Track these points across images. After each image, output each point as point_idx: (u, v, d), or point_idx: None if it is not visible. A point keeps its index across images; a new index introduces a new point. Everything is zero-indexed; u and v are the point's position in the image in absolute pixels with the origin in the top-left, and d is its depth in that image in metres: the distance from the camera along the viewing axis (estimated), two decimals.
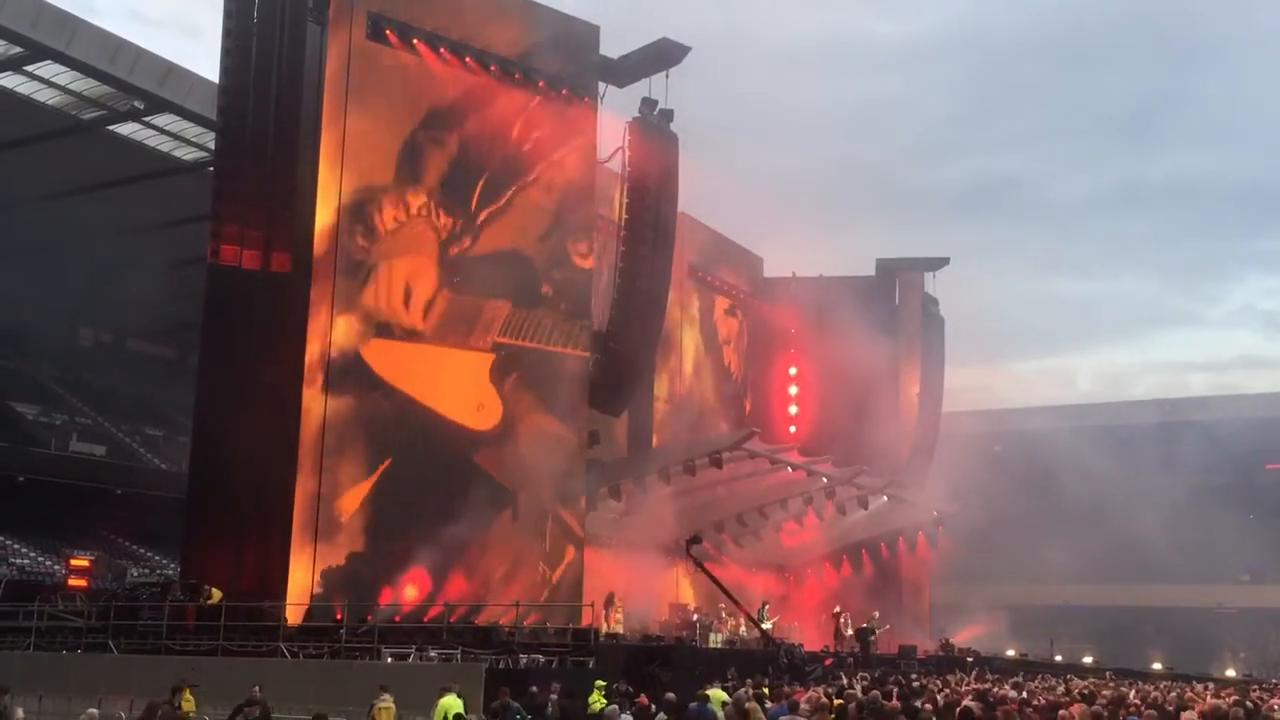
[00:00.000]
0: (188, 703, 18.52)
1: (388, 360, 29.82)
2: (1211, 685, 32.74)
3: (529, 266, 32.88)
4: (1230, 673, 50.04)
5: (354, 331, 29.46)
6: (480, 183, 32.02)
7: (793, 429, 49.13)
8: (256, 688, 19.13)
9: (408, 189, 30.68)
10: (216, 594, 27.19)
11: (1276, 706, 17.28)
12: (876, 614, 41.57)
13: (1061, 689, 25.21)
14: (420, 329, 30.71)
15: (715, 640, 34.16)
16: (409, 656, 24.14)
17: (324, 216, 29.12)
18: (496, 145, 32.40)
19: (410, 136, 30.83)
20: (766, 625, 35.97)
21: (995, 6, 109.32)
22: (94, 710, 15.51)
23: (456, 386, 31.26)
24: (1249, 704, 16.80)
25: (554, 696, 19.76)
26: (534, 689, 20.03)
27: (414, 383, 30.24)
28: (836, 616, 39.87)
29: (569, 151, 33.77)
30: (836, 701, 14.90)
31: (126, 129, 40.63)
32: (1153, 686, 28.44)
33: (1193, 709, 17.10)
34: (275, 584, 27.39)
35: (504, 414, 31.82)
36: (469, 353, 31.50)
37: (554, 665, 24.21)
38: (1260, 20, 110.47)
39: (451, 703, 18.27)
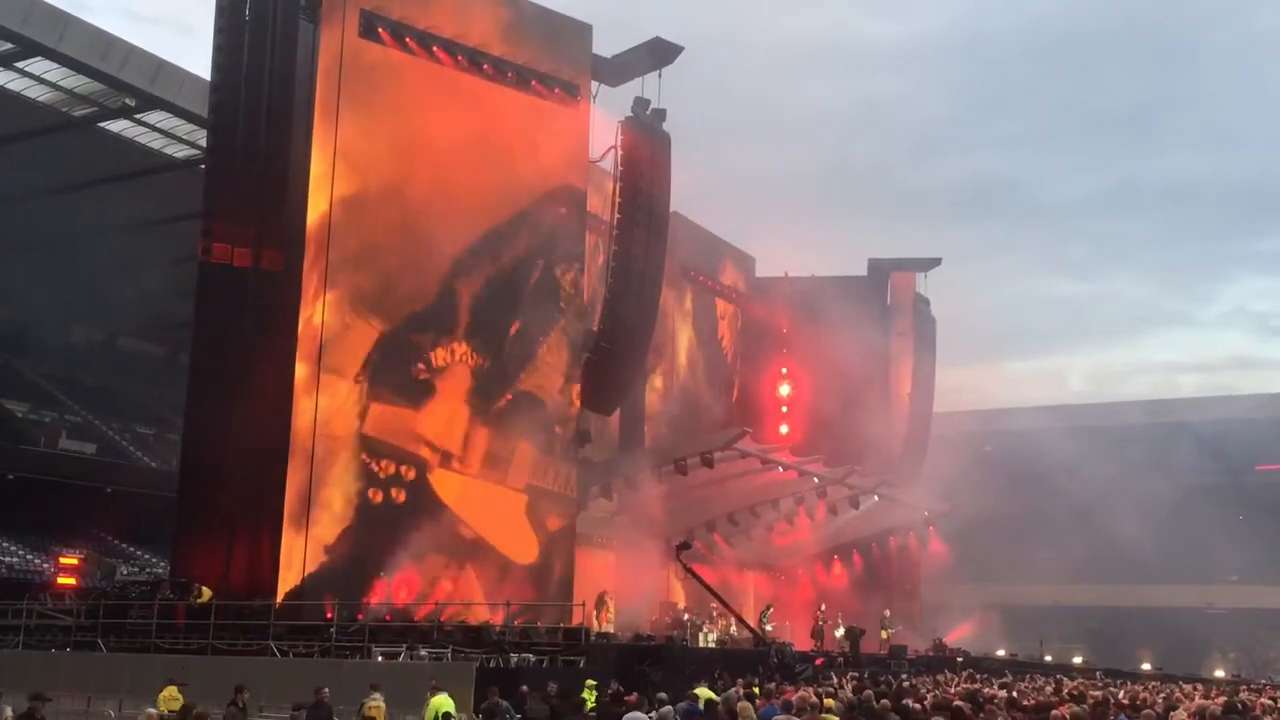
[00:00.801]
0: (175, 700, 18.42)
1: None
2: (1200, 685, 32.80)
3: (543, 408, 32.79)
4: (1219, 673, 50.14)
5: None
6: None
7: (784, 428, 49.14)
8: (325, 689, 18.44)
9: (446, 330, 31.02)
10: (207, 593, 27.16)
11: (1265, 707, 17.30)
12: (888, 613, 41.63)
13: (1051, 689, 25.22)
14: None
15: (707, 639, 34.19)
16: (400, 655, 24.12)
17: (315, 213, 29.07)
18: (490, 155, 32.24)
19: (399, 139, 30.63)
20: (768, 628, 36.00)
21: (993, 6, 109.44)
22: (153, 710, 15.06)
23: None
24: (1238, 704, 16.82)
25: (555, 700, 19.69)
26: (524, 688, 20.00)
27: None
28: (821, 615, 39.67)
29: (561, 151, 33.72)
30: (828, 701, 14.89)
31: (117, 126, 40.48)
32: (1142, 687, 28.51)
33: (1182, 709, 17.13)
34: (265, 582, 27.33)
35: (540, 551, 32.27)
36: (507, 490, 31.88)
37: (545, 664, 24.22)
38: (1260, 20, 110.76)
39: (442, 701, 18.23)
